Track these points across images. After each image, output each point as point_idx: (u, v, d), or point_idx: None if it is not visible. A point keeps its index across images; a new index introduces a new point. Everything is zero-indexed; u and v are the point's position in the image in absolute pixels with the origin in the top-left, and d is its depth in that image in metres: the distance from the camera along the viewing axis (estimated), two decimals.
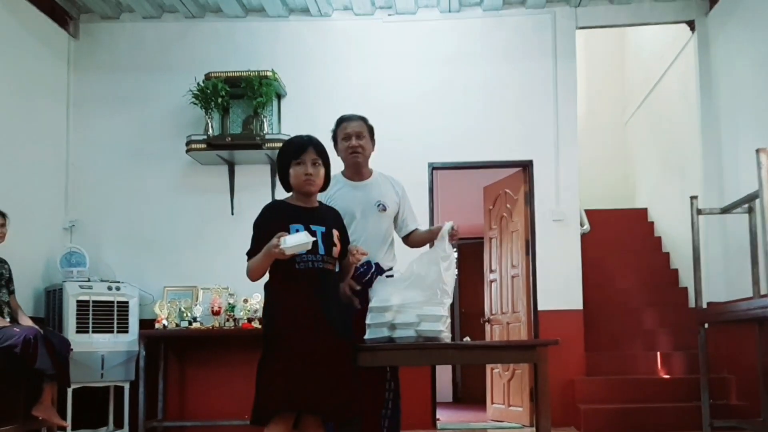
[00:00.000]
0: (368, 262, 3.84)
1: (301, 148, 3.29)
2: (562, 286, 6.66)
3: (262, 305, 3.37)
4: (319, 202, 3.42)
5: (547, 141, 6.83)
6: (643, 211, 8.68)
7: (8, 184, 5.88)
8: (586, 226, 7.26)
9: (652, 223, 8.48)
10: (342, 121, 3.99)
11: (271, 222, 3.22)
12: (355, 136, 3.90)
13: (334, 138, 3.99)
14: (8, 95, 6.00)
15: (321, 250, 3.22)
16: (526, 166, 6.85)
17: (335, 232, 3.30)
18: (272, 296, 3.28)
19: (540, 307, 6.64)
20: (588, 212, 7.50)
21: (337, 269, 3.34)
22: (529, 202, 6.82)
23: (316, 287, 3.21)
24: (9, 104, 6.01)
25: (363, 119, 3.99)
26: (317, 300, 3.20)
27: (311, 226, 3.22)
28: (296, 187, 3.31)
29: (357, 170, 3.95)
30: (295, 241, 3.07)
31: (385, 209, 3.92)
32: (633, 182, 9.30)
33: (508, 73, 6.93)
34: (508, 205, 7.21)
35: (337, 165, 3.65)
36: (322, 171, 3.29)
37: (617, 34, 9.46)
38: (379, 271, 3.87)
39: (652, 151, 8.68)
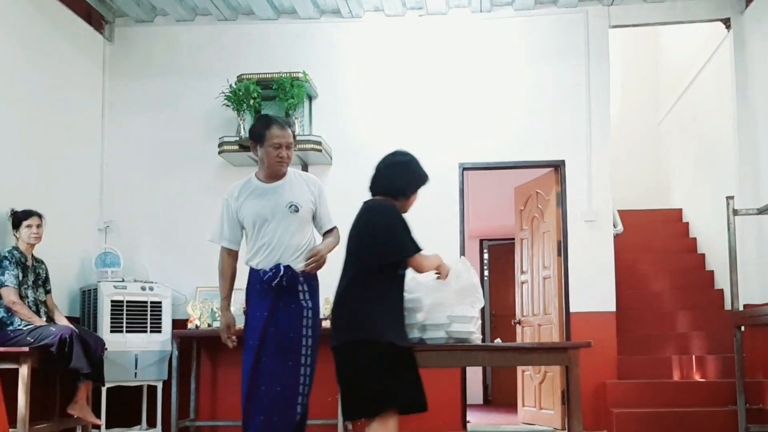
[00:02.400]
0: (277, 265, 3.84)
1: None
2: (594, 288, 6.59)
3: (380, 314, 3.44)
4: None
5: (579, 141, 6.77)
6: (678, 212, 8.58)
7: (45, 185, 5.98)
8: (620, 227, 7.19)
9: (687, 223, 8.37)
10: (273, 124, 3.90)
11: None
12: (285, 146, 3.88)
13: (259, 138, 3.90)
14: (45, 98, 6.09)
15: None
16: (558, 167, 6.81)
17: None
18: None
19: (572, 309, 6.58)
20: (621, 213, 7.43)
21: None
22: (561, 203, 6.77)
23: None
24: (46, 107, 6.10)
25: (291, 126, 3.99)
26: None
27: None
28: (403, 209, 3.66)
29: (274, 176, 3.94)
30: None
31: (297, 210, 3.89)
32: (667, 182, 9.20)
33: (540, 72, 6.88)
34: (539, 206, 7.17)
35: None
36: None
37: (651, 33, 9.36)
38: (291, 274, 3.84)
39: (686, 150, 8.58)
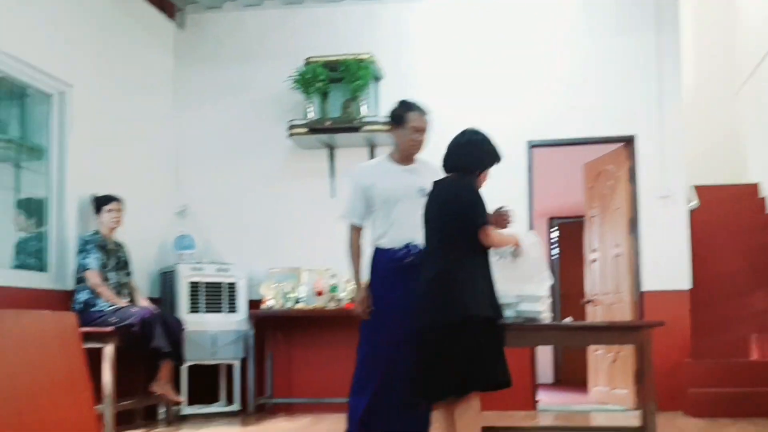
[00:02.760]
0: (407, 244, 3.90)
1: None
2: (667, 266, 6.48)
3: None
4: None
5: (650, 115, 6.64)
6: (754, 187, 8.31)
7: (123, 171, 6.18)
8: (695, 202, 7.03)
9: (764, 198, 8.12)
10: (414, 109, 3.99)
11: None
12: (422, 131, 3.97)
13: (399, 120, 3.98)
14: (121, 86, 6.29)
15: None
16: (629, 141, 6.69)
17: None
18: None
19: (644, 288, 6.50)
20: (697, 188, 7.26)
21: None
22: (632, 179, 6.66)
23: None
24: (122, 95, 6.30)
25: (429, 114, 4.04)
26: None
27: None
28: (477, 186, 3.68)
29: (408, 158, 4.03)
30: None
31: (424, 195, 3.92)
32: (743, 156, 8.91)
33: (608, 44, 6.76)
34: (609, 182, 7.06)
35: None
36: None
37: (726, 1, 9.04)
38: (419, 253, 3.88)
39: (764, 122, 8.29)
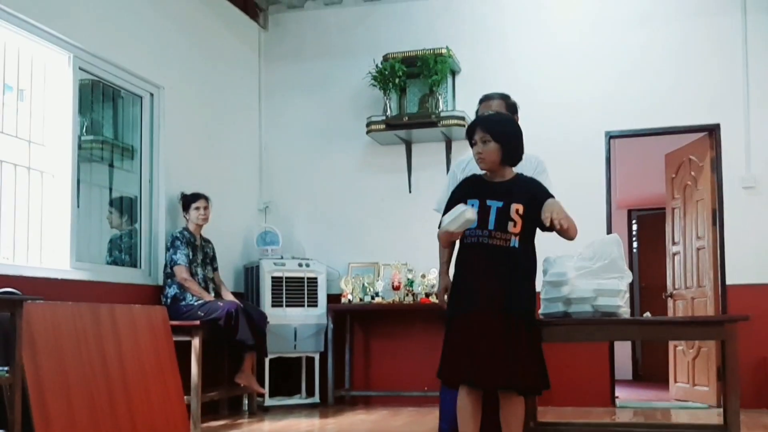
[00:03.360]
0: None
1: (471, 130, 3.40)
2: (753, 258, 6.30)
3: None
4: (519, 175, 3.44)
5: (735, 103, 6.45)
6: None
7: (209, 169, 6.40)
8: None
9: None
10: (482, 101, 4.02)
11: (458, 193, 3.43)
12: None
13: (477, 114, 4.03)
14: (208, 86, 6.51)
15: (491, 225, 3.29)
16: (713, 131, 6.52)
17: (516, 207, 3.28)
18: (454, 269, 3.45)
19: (728, 281, 6.34)
20: None
21: (517, 245, 3.30)
22: (716, 169, 6.50)
23: (483, 262, 3.31)
24: (209, 94, 6.52)
25: (504, 97, 4.00)
26: (483, 275, 3.30)
27: (487, 201, 3.30)
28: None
29: None
30: (450, 216, 3.25)
31: None
32: None
33: (692, 31, 6.59)
34: (692, 173, 6.90)
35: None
36: (492, 146, 3.32)
37: None
38: None
39: None
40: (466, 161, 4.12)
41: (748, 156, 6.42)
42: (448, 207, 3.38)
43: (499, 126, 3.39)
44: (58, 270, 4.78)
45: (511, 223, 3.29)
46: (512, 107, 4.02)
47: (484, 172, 3.45)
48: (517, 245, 3.30)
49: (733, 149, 6.44)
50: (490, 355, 3.21)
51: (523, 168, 3.55)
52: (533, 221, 3.31)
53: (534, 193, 3.36)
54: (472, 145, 3.40)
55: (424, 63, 6.58)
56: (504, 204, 3.30)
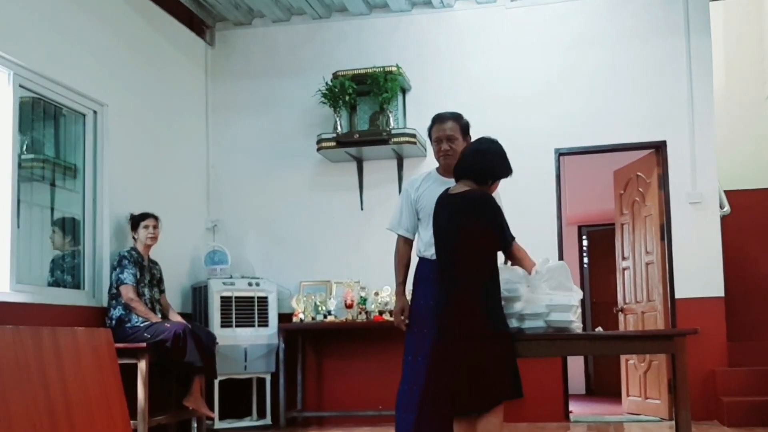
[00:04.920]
0: None
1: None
2: (701, 273, 6.41)
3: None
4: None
5: (681, 120, 6.59)
6: None
7: (155, 188, 6.28)
8: (726, 208, 6.95)
9: None
10: (435, 122, 4.05)
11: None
12: (446, 139, 3.97)
13: (429, 136, 4.07)
14: (153, 104, 6.39)
15: None
16: (659, 148, 6.64)
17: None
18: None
19: (677, 295, 6.43)
20: (727, 193, 7.17)
21: None
22: (663, 185, 6.61)
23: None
24: (154, 112, 6.39)
25: (456, 118, 4.02)
26: None
27: None
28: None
29: (448, 170, 3.99)
30: None
31: None
32: None
33: (637, 52, 6.72)
34: (640, 189, 7.01)
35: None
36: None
37: (755, 5, 8.95)
38: None
39: None
40: (419, 180, 4.13)
41: (693, 172, 6.55)
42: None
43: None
44: None
45: None
46: (465, 127, 4.04)
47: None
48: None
49: (680, 166, 6.56)
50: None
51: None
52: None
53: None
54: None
55: (374, 81, 6.57)
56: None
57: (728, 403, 5.89)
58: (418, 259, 4.09)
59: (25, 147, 5.20)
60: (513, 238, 3.54)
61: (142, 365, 5.10)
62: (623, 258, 7.38)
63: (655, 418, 6.59)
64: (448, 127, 3.98)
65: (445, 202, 3.63)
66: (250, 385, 6.57)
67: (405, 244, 4.15)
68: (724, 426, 5.86)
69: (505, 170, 3.64)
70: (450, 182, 3.90)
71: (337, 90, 6.62)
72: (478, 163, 3.58)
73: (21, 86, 4.92)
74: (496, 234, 3.48)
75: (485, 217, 3.48)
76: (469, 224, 3.48)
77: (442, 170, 4.06)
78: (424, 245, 4.03)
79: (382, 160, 6.90)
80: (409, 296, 4.10)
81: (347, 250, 6.87)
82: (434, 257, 3.81)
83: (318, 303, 6.59)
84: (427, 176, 4.13)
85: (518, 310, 3.68)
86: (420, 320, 3.95)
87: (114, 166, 5.74)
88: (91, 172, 5.63)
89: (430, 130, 4.05)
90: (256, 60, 7.33)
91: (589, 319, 9.61)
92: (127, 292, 5.38)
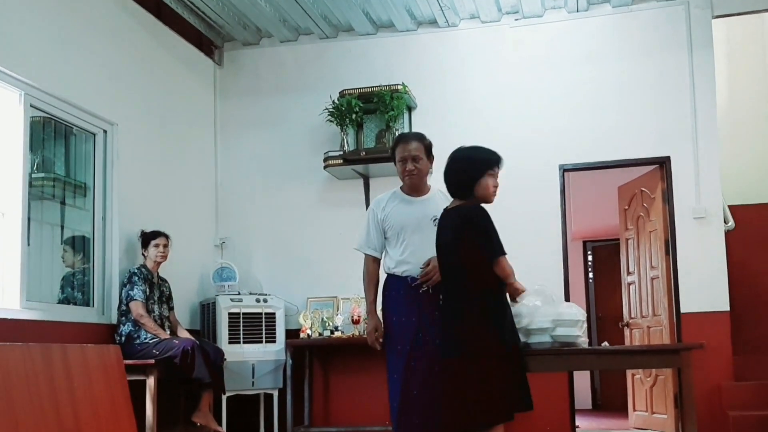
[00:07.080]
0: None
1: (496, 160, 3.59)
2: (706, 287, 6.42)
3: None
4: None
5: (685, 136, 6.61)
6: None
7: (164, 206, 6.34)
8: (731, 223, 6.97)
9: None
10: (398, 142, 4.12)
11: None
12: (410, 159, 4.04)
13: (392, 157, 4.13)
14: (162, 123, 6.46)
15: None
16: (663, 163, 6.67)
17: None
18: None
19: (683, 310, 6.43)
20: (731, 208, 7.19)
21: None
22: (667, 201, 6.63)
23: None
24: (163, 131, 6.47)
25: (420, 138, 4.10)
26: None
27: None
28: (484, 198, 3.54)
29: (413, 189, 4.11)
30: None
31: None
32: None
33: (641, 68, 6.76)
34: (644, 204, 7.04)
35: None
36: None
37: (758, 21, 9.00)
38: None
39: None
40: (385, 199, 4.20)
41: (697, 187, 6.57)
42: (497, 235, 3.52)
43: None
44: (8, 310, 4.65)
45: None
46: (428, 147, 4.13)
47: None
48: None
49: (684, 181, 6.58)
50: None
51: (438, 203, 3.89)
52: None
53: None
54: (488, 169, 3.55)
55: (380, 99, 6.63)
56: None
57: (735, 417, 5.89)
58: (386, 275, 4.15)
59: (35, 166, 5.27)
60: (503, 253, 3.50)
61: (150, 381, 5.14)
62: (628, 273, 7.40)
63: None
64: (413, 147, 4.05)
65: (444, 218, 3.70)
66: (258, 401, 6.59)
67: (374, 263, 4.22)
68: None
69: (481, 166, 3.58)
70: (414, 200, 4.07)
71: (343, 108, 6.69)
72: (447, 181, 3.65)
73: (32, 106, 5.00)
74: (481, 245, 3.49)
75: (475, 231, 3.51)
76: (465, 237, 3.52)
77: (407, 189, 4.14)
78: (394, 263, 4.11)
79: (389, 177, 6.90)
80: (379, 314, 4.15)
81: (354, 266, 6.82)
82: (404, 274, 3.99)
83: (325, 319, 6.63)
84: (392, 195, 4.20)
85: (524, 324, 3.71)
86: (397, 337, 4.02)
87: (123, 184, 5.80)
88: (101, 190, 5.70)
89: (393, 150, 4.12)
90: (264, 79, 7.41)
91: (594, 334, 9.62)
92: (137, 309, 5.43)
